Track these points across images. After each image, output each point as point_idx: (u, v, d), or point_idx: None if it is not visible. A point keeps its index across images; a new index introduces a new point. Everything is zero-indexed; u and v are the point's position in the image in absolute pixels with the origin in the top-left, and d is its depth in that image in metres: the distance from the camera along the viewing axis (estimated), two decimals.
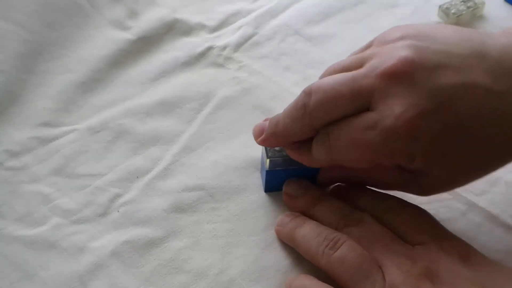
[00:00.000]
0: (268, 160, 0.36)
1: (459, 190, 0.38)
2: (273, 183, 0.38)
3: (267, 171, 0.37)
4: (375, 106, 0.30)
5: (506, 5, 0.55)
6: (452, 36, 0.31)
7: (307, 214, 0.35)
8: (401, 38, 0.31)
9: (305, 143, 0.34)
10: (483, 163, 0.32)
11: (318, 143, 0.33)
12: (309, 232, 0.33)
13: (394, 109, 0.29)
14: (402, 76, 0.30)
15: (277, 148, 0.36)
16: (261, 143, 0.36)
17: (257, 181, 0.39)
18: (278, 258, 0.35)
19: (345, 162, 0.33)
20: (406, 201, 0.34)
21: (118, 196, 0.38)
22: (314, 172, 0.38)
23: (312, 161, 0.34)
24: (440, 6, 0.53)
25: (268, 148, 0.36)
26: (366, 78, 0.31)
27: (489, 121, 0.30)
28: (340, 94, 0.31)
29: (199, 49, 0.49)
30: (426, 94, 0.29)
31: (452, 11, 0.52)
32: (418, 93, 0.29)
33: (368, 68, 0.31)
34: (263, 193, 0.38)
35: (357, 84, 0.31)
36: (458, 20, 0.52)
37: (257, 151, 0.40)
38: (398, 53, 0.30)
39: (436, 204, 0.38)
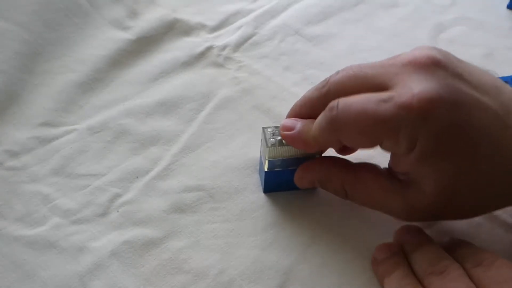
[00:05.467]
0: (267, 161, 0.36)
1: None
2: (272, 184, 0.38)
3: (265, 172, 0.37)
4: (394, 86, 0.31)
5: (510, 12, 0.55)
6: (476, 67, 0.33)
7: (406, 255, 0.34)
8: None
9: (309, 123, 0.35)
10: (481, 190, 0.32)
11: (325, 112, 0.33)
12: (393, 283, 0.32)
13: (412, 88, 0.30)
14: (425, 66, 0.31)
15: (276, 152, 0.36)
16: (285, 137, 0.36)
17: (257, 181, 0.39)
18: (278, 258, 0.35)
19: (345, 136, 0.33)
20: (500, 257, 0.32)
21: (118, 196, 0.38)
22: None
23: (310, 137, 0.34)
24: None
25: (267, 149, 0.36)
26: (391, 67, 0.32)
27: (495, 145, 0.31)
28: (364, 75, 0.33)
29: (199, 49, 0.49)
30: (445, 88, 0.30)
31: None
32: (439, 83, 0.30)
33: (395, 59, 0.33)
34: (262, 194, 0.38)
35: (381, 75, 0.32)
36: None
37: (257, 152, 0.40)
38: (425, 51, 0.32)
39: None
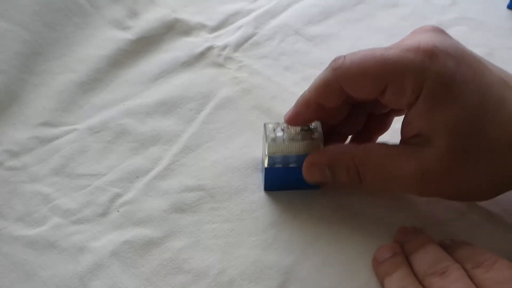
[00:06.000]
0: (267, 157, 0.36)
1: None
2: (272, 182, 0.38)
3: (266, 169, 0.37)
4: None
5: (510, 12, 0.54)
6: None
7: (406, 255, 0.34)
8: None
9: None
10: (491, 160, 0.32)
11: (329, 65, 0.34)
12: (394, 283, 0.32)
13: (419, 39, 0.32)
14: (431, 30, 0.33)
15: (277, 147, 0.36)
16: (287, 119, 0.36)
17: (257, 181, 0.39)
18: (279, 258, 0.35)
19: (349, 80, 0.33)
20: (500, 258, 0.32)
21: (118, 196, 0.38)
22: None
23: (318, 84, 0.35)
24: None
25: (266, 144, 0.36)
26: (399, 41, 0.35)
27: (500, 104, 0.32)
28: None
29: (199, 49, 0.49)
30: (451, 45, 0.32)
31: None
32: (444, 39, 0.33)
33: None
34: (263, 193, 0.38)
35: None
36: None
37: (257, 152, 0.40)
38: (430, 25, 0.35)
39: (436, 205, 0.38)
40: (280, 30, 0.51)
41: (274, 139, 0.35)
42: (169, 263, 0.35)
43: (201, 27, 0.51)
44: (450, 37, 0.34)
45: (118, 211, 0.37)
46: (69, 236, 0.36)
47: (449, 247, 0.33)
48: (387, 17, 0.53)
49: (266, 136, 0.36)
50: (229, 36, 0.50)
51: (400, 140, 0.35)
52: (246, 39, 0.50)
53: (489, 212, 0.37)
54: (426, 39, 0.32)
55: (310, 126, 0.36)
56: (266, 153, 0.36)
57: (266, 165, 0.36)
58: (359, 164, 0.34)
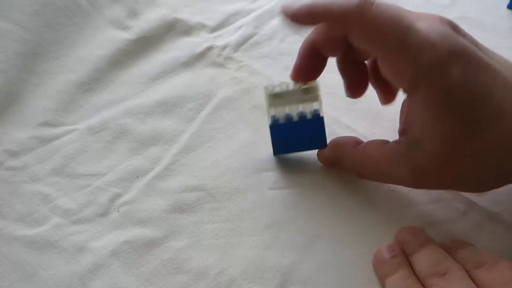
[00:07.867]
0: (267, 96, 0.38)
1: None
2: (279, 142, 0.39)
3: (270, 128, 0.39)
4: None
5: (510, 12, 0.55)
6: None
7: (407, 256, 0.34)
8: None
9: None
10: (483, 161, 0.32)
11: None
12: (395, 284, 0.32)
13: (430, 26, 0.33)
14: (446, 22, 0.34)
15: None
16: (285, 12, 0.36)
17: (257, 181, 0.39)
18: (279, 258, 0.35)
19: (362, 28, 0.33)
20: (501, 258, 0.32)
21: (118, 196, 0.38)
22: (319, 131, 0.38)
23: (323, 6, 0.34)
24: None
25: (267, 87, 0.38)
26: None
27: (500, 109, 0.32)
28: None
29: (199, 49, 0.49)
30: (458, 44, 0.32)
31: None
32: (454, 37, 0.33)
33: None
34: (263, 193, 0.38)
35: None
36: None
37: (257, 152, 0.40)
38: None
39: (436, 204, 0.38)
40: (280, 30, 0.51)
41: (273, 93, 0.38)
42: (169, 263, 0.35)
43: (201, 27, 0.51)
44: (464, 35, 0.34)
45: (118, 211, 0.37)
46: (69, 236, 0.36)
47: (450, 248, 0.33)
48: None
49: (265, 92, 0.38)
50: (229, 36, 0.50)
51: (398, 129, 0.36)
52: (246, 39, 0.50)
53: (490, 212, 0.37)
54: (440, 32, 0.32)
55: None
56: (267, 102, 0.38)
57: (269, 123, 0.38)
58: (358, 166, 0.37)
